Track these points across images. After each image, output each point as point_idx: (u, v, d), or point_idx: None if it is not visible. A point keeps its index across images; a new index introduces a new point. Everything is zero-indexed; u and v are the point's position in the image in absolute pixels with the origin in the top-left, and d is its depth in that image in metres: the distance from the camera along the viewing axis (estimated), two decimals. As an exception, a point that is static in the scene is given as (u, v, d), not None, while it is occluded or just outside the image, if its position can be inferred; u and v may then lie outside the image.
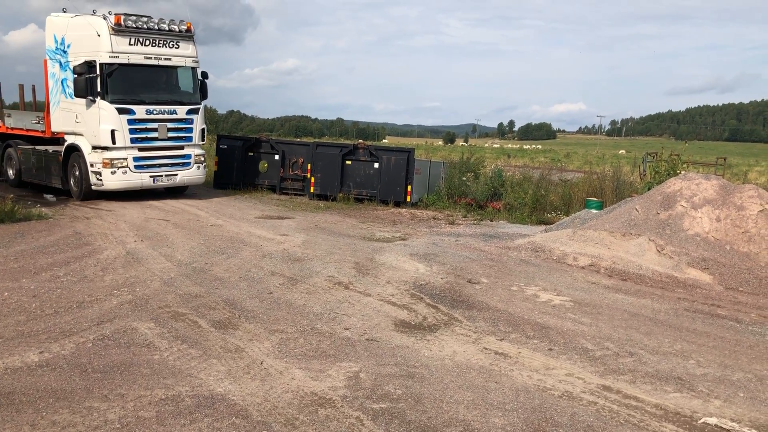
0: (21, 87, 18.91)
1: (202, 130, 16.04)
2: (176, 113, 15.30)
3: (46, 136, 16.20)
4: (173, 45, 15.21)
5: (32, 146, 16.89)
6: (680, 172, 13.21)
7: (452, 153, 45.60)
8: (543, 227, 13.82)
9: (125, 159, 14.50)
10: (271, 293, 7.46)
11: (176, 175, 15.51)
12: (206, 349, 5.55)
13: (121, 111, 14.34)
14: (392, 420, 4.30)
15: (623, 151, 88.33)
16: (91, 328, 5.98)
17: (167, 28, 15.07)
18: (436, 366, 5.38)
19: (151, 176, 14.98)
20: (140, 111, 14.63)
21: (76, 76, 14.29)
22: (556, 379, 5.20)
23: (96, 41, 14.15)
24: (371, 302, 7.27)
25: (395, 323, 6.55)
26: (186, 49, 15.48)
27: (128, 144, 14.50)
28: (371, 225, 13.47)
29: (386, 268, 8.97)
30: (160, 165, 15.19)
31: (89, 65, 14.20)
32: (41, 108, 17.47)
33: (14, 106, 20.45)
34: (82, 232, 10.79)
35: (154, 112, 14.90)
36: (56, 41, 15.26)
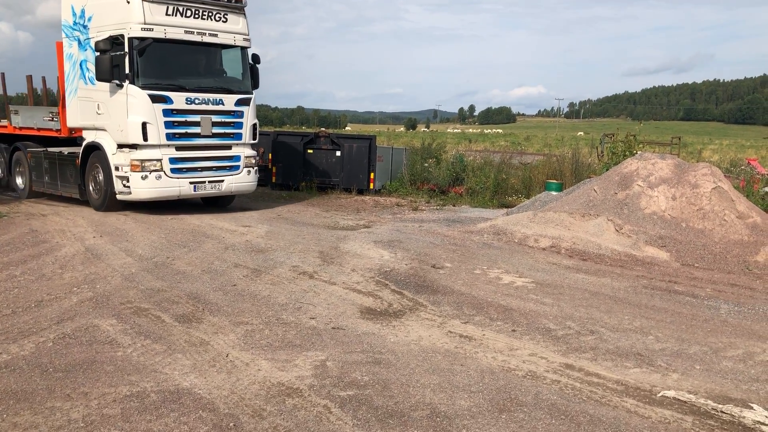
0: (29, 78, 15.93)
1: (254, 125, 12.94)
2: (223, 104, 12.35)
3: (62, 135, 13.61)
4: (220, 18, 12.28)
5: (44, 148, 14.12)
6: (636, 153, 13.49)
7: (414, 139, 45.70)
8: (505, 210, 14.00)
9: (159, 160, 11.57)
10: (234, 285, 7.42)
11: (222, 181, 12.43)
12: (170, 343, 5.50)
13: (154, 99, 11.46)
14: (360, 406, 4.33)
15: (581, 133, 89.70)
16: (51, 327, 5.87)
17: None
18: (402, 351, 5.42)
19: (191, 183, 11.97)
20: (179, 100, 11.72)
21: (98, 54, 11.39)
22: (519, 359, 5.29)
23: (124, 10, 11.37)
24: (337, 291, 7.28)
25: (361, 311, 6.58)
26: (236, 23, 12.52)
27: (163, 141, 11.62)
28: (335, 213, 13.46)
29: (351, 256, 8.99)
30: (203, 169, 12.19)
31: (115, 41, 11.45)
32: (54, 103, 14.86)
33: (21, 101, 17.24)
34: (38, 229, 10.54)
35: (196, 101, 11.92)
36: (74, 14, 12.55)
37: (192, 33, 11.84)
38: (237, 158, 12.68)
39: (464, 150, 26.34)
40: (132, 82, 11.40)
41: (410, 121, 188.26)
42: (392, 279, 7.80)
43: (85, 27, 12.31)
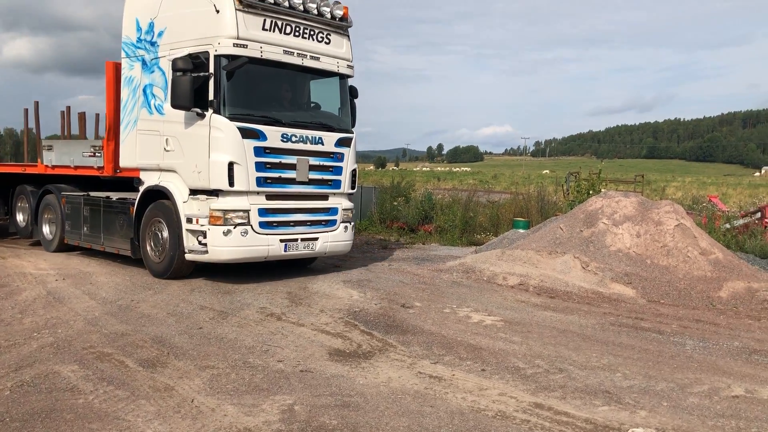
0: (64, 112, 13.56)
1: (353, 171, 10.62)
2: (322, 143, 10.05)
3: (105, 175, 11.29)
4: (323, 38, 10.08)
5: (84, 193, 11.83)
6: (601, 191, 13.74)
7: (383, 177, 45.91)
8: (473, 248, 14.08)
9: (247, 212, 9.22)
10: (200, 328, 7.29)
11: (316, 239, 10.12)
12: (134, 389, 5.36)
13: (245, 133, 9.13)
14: (328, 452, 4.25)
15: (547, 171, 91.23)
16: (8, 374, 5.68)
17: (316, 11, 9.94)
18: (371, 393, 5.36)
19: (282, 240, 9.64)
20: (273, 136, 9.41)
21: (176, 74, 9.09)
22: (489, 399, 5.27)
23: (212, 21, 9.12)
24: (305, 332, 7.20)
25: (330, 352, 6.50)
26: (339, 46, 10.34)
27: (253, 187, 9.27)
28: (303, 253, 13.39)
29: (320, 296, 8.92)
30: (296, 223, 9.89)
31: (197, 60, 9.17)
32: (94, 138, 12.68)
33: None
34: (-2, 272, 10.29)
35: (293, 138, 9.65)
36: (139, 28, 10.32)
37: (292, 54, 9.62)
38: (334, 211, 10.38)
39: (433, 188, 26.56)
40: (217, 112, 9.09)
41: (380, 160, 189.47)
42: (362, 319, 7.75)
43: (153, 44, 10.09)
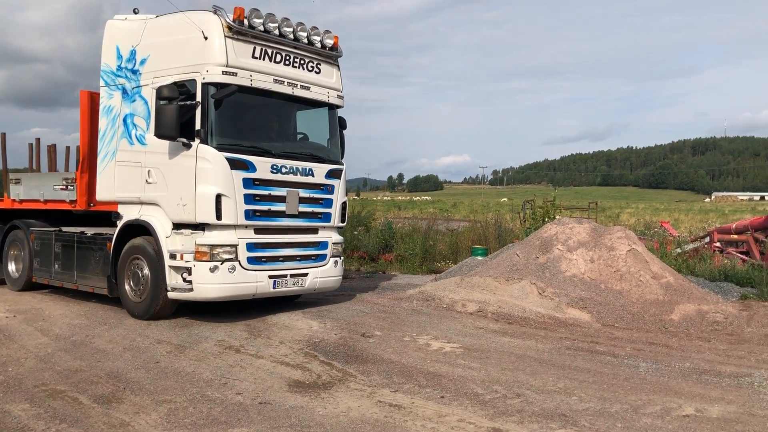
0: (33, 145, 13.08)
1: (344, 204, 10.40)
2: (313, 175, 9.75)
3: (78, 209, 10.73)
4: (313, 68, 9.87)
5: (55, 228, 11.25)
6: (555, 217, 14.04)
7: (343, 208, 45.93)
8: (433, 276, 14.20)
9: (235, 246, 8.80)
10: (158, 362, 7.18)
11: (306, 275, 9.76)
12: (88, 426, 5.25)
13: (234, 164, 8.76)
14: (287, 483, 4.23)
15: (505, 199, 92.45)
16: (-44, 415, 5.51)
17: (307, 40, 9.71)
18: (330, 424, 5.35)
19: (271, 276, 9.24)
20: (263, 167, 9.06)
21: (161, 102, 8.76)
22: (448, 425, 5.31)
23: (200, 48, 8.82)
24: (264, 364, 7.15)
25: (289, 384, 6.47)
26: (329, 76, 10.14)
27: (241, 221, 8.87)
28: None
29: (279, 327, 8.87)
30: (285, 258, 9.51)
31: (183, 88, 8.85)
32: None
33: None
34: (-55, 310, 9.97)
35: (283, 169, 9.32)
36: (119, 56, 9.89)
37: (282, 83, 9.36)
38: (324, 245, 10.05)
39: (393, 217, 26.73)
40: (204, 141, 8.71)
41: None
42: (321, 350, 7.73)
43: (134, 72, 9.66)
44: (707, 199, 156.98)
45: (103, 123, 10.09)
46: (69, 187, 10.81)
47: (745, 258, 14.69)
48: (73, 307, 10.28)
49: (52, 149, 12.94)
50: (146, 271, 9.20)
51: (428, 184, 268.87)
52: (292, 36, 9.46)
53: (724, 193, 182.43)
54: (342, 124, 10.60)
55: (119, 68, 9.91)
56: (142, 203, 9.40)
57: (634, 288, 10.19)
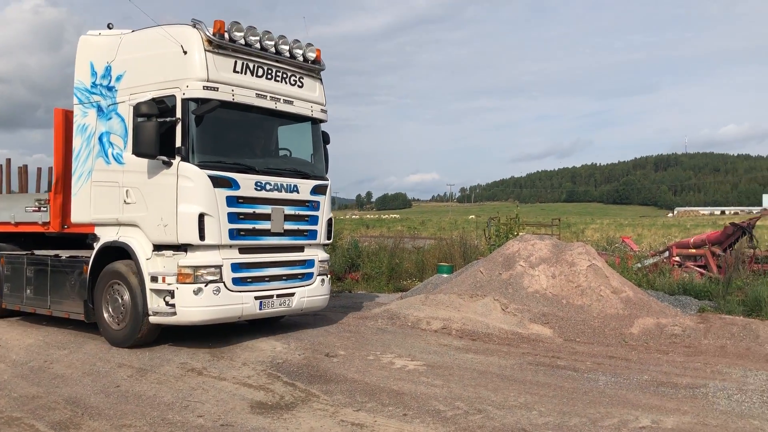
0: (3, 165, 12.64)
1: (329, 221, 10.15)
2: (298, 191, 9.51)
3: (51, 231, 10.35)
4: (296, 82, 9.65)
5: (27, 251, 10.77)
6: (517, 234, 14.23)
7: (311, 227, 45.80)
8: (399, 294, 14.24)
9: (219, 267, 8.52)
10: (118, 386, 7.08)
11: (293, 295, 9.50)
12: (44, 454, 5.16)
13: (217, 182, 8.48)
14: (246, 505, 4.21)
15: (473, 216, 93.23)
16: None
17: (289, 53, 9.50)
18: (292, 444, 5.34)
19: (257, 297, 8.96)
20: (246, 184, 8.81)
21: (139, 120, 8.45)
22: (410, 443, 5.34)
23: (179, 63, 8.55)
24: (226, 386, 7.11)
25: (251, 405, 6.44)
26: (312, 90, 9.93)
27: (225, 240, 8.60)
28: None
29: (242, 349, 8.81)
30: (271, 278, 9.25)
31: (161, 104, 8.58)
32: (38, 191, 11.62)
33: None
34: None
35: (268, 186, 9.08)
36: (94, 73, 9.55)
37: (264, 97, 9.12)
38: (311, 263, 9.79)
39: (360, 236, 26.77)
40: (185, 159, 8.41)
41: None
42: (284, 371, 7.71)
43: (110, 89, 9.32)
44: (670, 215, 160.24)
45: (77, 142, 9.71)
46: (42, 208, 10.47)
47: (703, 271, 15.05)
48: (32, 332, 10.08)
49: (23, 170, 12.61)
50: (126, 296, 8.81)
51: (397, 202, 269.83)
52: (273, 49, 9.24)
53: (687, 208, 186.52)
54: (325, 138, 10.39)
55: (94, 85, 9.58)
56: (120, 224, 9.05)
57: (594, 303, 10.37)
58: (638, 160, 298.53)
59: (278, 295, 9.26)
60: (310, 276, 9.78)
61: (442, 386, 7.02)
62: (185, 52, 8.49)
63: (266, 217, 9.05)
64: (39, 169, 12.27)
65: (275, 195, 9.15)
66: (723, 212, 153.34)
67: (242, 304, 8.77)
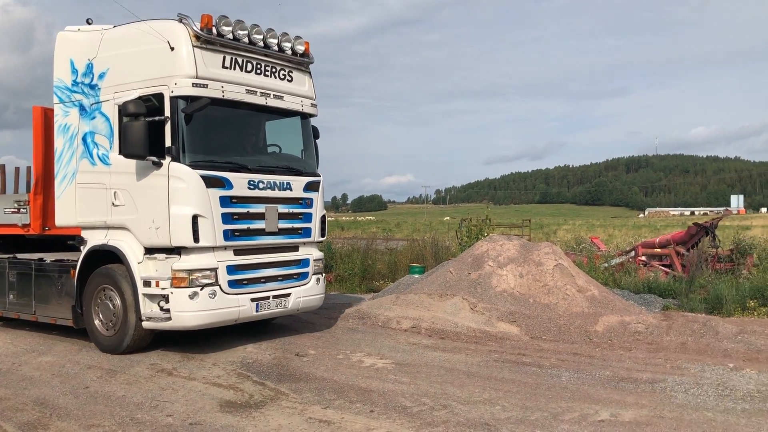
0: None
1: (323, 218, 9.97)
2: (291, 189, 9.32)
3: (32, 233, 10.04)
4: (285, 76, 9.39)
5: (8, 255, 10.40)
6: (487, 235, 14.45)
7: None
8: (371, 295, 14.36)
9: (214, 270, 8.32)
10: (87, 387, 7.11)
11: (289, 295, 9.30)
12: (11, 454, 5.20)
13: (210, 182, 8.27)
14: (213, 500, 4.31)
15: (448, 218, 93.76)
16: None
17: (277, 47, 9.21)
18: (260, 441, 5.44)
19: (253, 299, 8.75)
20: (239, 183, 8.61)
21: (127, 119, 8.18)
22: (375, 438, 5.47)
23: (166, 60, 8.28)
24: (196, 386, 7.17)
25: (221, 404, 6.52)
26: (301, 84, 9.67)
27: (220, 242, 8.38)
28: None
29: (213, 349, 8.86)
30: (267, 279, 9.05)
31: (148, 102, 8.30)
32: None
33: None
34: None
35: (261, 185, 8.89)
36: (74, 70, 9.27)
37: (254, 93, 8.88)
38: (306, 263, 9.60)
39: (334, 237, 26.83)
40: (176, 159, 8.14)
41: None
42: (254, 370, 7.79)
43: (92, 87, 9.02)
44: (641, 215, 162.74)
45: (59, 142, 9.42)
46: (21, 210, 10.17)
47: (668, 270, 15.40)
48: (0, 335, 10.02)
49: (0, 170, 12.26)
50: (117, 301, 8.56)
51: (372, 204, 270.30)
52: (262, 43, 8.96)
53: (657, 209, 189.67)
54: (315, 133, 10.12)
55: (75, 83, 9.27)
56: (108, 227, 8.78)
57: (560, 301, 10.59)
58: (610, 161, 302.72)
59: (274, 296, 9.07)
60: (305, 275, 9.60)
61: (409, 383, 7.16)
62: (172, 48, 8.21)
63: (260, 216, 8.85)
64: (17, 169, 12.00)
65: (268, 193, 8.94)
66: (693, 213, 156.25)
67: (239, 306, 8.58)
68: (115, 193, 8.67)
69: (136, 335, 8.47)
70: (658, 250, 16.62)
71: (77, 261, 9.01)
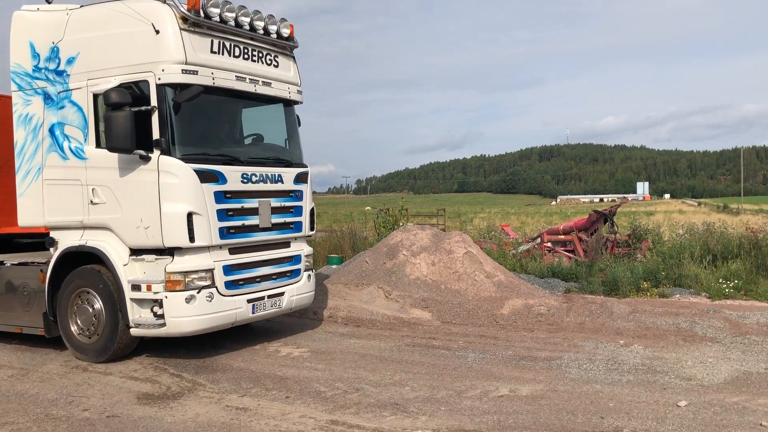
0: None
1: (312, 210, 9.42)
2: (282, 181, 8.79)
3: None
4: (271, 61, 8.80)
5: None
6: (401, 225, 14.91)
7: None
8: (289, 287, 14.55)
9: (211, 271, 7.75)
10: (-2, 387, 7.06)
11: (282, 294, 8.81)
12: None
13: (203, 177, 7.65)
14: (132, 486, 4.48)
15: (369, 208, 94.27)
16: None
17: (263, 30, 8.60)
18: (178, 429, 5.62)
19: (249, 300, 8.23)
20: (233, 177, 7.99)
21: (111, 110, 7.41)
22: (290, 422, 5.76)
23: (150, 44, 7.54)
24: (113, 380, 7.24)
25: (138, 397, 6.63)
26: (287, 69, 9.12)
27: (216, 241, 7.81)
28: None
29: (129, 344, 8.89)
30: (262, 278, 8.53)
31: (131, 90, 7.58)
32: None
33: None
34: None
35: (254, 178, 8.32)
36: (36, 55, 8.39)
37: (244, 80, 8.27)
38: (297, 259, 9.10)
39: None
40: (166, 152, 7.49)
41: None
42: (172, 363, 7.90)
43: (60, 73, 8.20)
44: (553, 203, 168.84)
45: (20, 135, 8.54)
46: None
47: (571, 255, 16.33)
48: None
49: None
50: (98, 305, 7.90)
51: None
52: (248, 26, 8.31)
53: (568, 197, 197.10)
54: (298, 121, 9.60)
55: (37, 68, 8.40)
56: (85, 227, 8.05)
57: (470, 287, 11.14)
58: (524, 151, 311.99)
59: (269, 296, 8.59)
60: (297, 273, 9.15)
61: (324, 370, 7.47)
62: (157, 32, 7.48)
63: (254, 211, 8.33)
64: None
65: (261, 187, 8.42)
66: (602, 200, 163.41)
67: (236, 309, 8.06)
68: (93, 190, 7.93)
69: (122, 342, 7.87)
70: (562, 236, 17.55)
71: (47, 263, 8.29)
